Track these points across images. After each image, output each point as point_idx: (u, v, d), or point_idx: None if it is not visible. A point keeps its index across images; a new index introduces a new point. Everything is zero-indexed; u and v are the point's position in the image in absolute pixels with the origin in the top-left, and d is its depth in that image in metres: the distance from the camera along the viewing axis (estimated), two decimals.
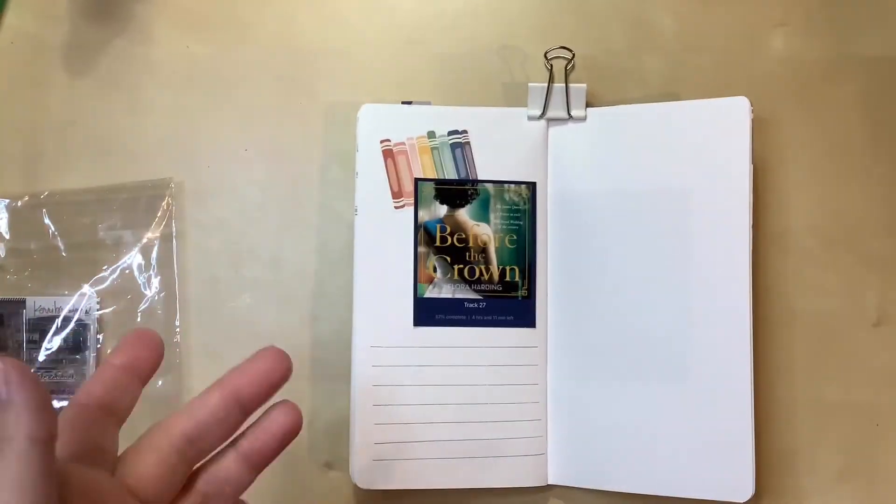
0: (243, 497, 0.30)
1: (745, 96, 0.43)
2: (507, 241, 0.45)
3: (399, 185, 0.44)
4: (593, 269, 0.44)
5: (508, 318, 0.44)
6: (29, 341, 0.44)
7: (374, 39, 0.48)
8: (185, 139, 0.47)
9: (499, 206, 0.45)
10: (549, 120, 0.45)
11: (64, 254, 0.45)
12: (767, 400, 0.45)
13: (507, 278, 0.45)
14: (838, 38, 0.48)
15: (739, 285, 0.42)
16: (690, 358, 0.42)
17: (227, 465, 0.29)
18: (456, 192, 0.45)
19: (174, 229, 0.46)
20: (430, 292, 0.44)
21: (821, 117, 0.47)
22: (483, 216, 0.45)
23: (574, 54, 0.44)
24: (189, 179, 0.46)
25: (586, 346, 0.44)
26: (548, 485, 0.44)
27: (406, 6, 0.48)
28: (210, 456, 0.29)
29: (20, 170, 0.46)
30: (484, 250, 0.45)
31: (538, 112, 0.45)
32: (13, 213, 0.45)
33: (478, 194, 0.45)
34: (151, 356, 0.29)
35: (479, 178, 0.45)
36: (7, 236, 0.45)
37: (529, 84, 0.45)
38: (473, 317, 0.44)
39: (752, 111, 0.43)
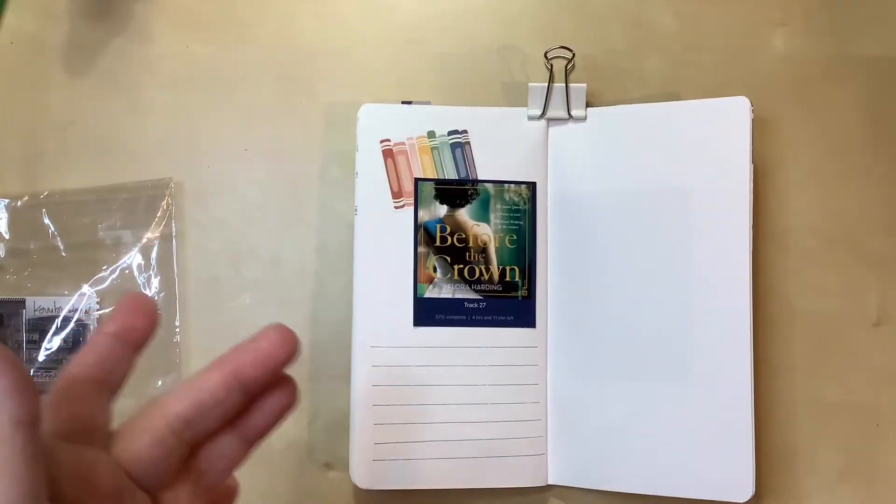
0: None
1: (746, 96, 0.43)
2: (507, 241, 0.45)
3: (399, 185, 0.44)
4: (593, 269, 0.44)
5: (508, 318, 0.44)
6: (29, 341, 0.44)
7: (374, 39, 0.48)
8: (185, 139, 0.47)
9: (499, 206, 0.45)
10: (549, 120, 0.45)
11: (64, 254, 0.45)
12: (767, 400, 0.45)
13: (507, 278, 0.45)
14: (838, 38, 0.48)
15: (739, 285, 0.42)
16: (690, 358, 0.42)
17: (221, 441, 0.28)
18: (456, 191, 0.45)
19: (174, 229, 0.46)
20: (430, 292, 0.44)
21: (821, 117, 0.47)
22: (483, 216, 0.45)
23: (574, 54, 0.44)
24: (189, 179, 0.46)
25: (586, 346, 0.44)
26: (548, 485, 0.44)
27: (406, 6, 0.48)
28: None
29: (20, 170, 0.46)
30: (484, 250, 0.45)
31: (538, 112, 0.45)
32: (13, 213, 0.45)
33: (478, 194, 0.45)
34: (146, 324, 0.27)
35: (479, 177, 0.45)
36: (7, 236, 0.45)
37: (529, 84, 0.45)
38: (473, 317, 0.44)
39: (753, 111, 0.43)
